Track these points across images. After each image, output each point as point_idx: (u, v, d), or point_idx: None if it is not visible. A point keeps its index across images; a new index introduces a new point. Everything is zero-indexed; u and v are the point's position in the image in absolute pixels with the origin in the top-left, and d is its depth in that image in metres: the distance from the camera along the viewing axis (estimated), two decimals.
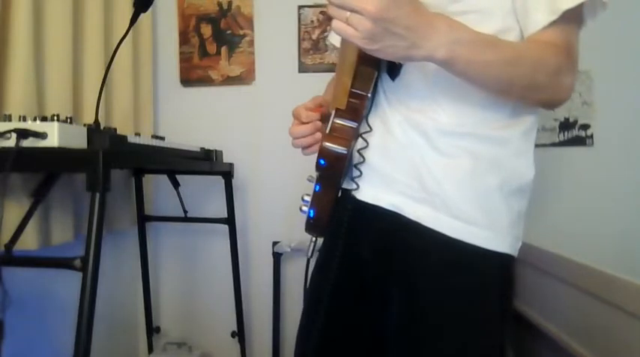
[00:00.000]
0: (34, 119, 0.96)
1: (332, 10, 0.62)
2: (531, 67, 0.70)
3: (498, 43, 0.71)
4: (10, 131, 0.90)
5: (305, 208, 0.88)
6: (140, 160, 1.31)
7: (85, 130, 1.03)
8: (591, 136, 1.97)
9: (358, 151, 0.82)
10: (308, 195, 0.88)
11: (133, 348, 2.04)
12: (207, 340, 2.06)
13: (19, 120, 0.94)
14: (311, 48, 2.03)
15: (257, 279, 2.06)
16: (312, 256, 0.93)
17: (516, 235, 0.80)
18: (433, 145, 0.78)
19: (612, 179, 1.94)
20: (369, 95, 0.79)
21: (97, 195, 0.92)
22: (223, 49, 2.06)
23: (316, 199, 0.87)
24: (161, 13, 2.05)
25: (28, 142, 0.91)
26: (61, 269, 0.94)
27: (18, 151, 0.89)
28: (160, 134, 1.69)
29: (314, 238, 0.92)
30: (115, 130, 1.19)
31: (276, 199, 2.02)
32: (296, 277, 2.05)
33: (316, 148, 0.81)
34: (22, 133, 0.90)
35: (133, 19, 1.11)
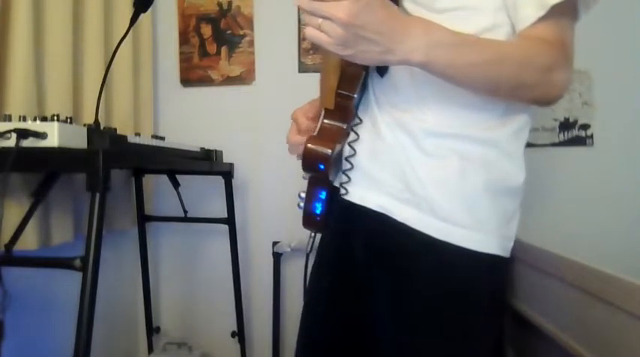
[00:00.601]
0: (34, 119, 0.96)
1: (305, 17, 0.63)
2: (517, 66, 0.69)
3: (480, 43, 0.70)
4: (10, 131, 0.90)
5: (302, 205, 0.89)
6: (140, 160, 1.31)
7: (85, 130, 1.03)
8: (591, 136, 1.97)
9: (349, 143, 0.82)
10: (304, 191, 0.89)
11: (133, 348, 2.04)
12: (207, 340, 2.05)
13: (19, 120, 0.95)
14: (311, 48, 2.02)
15: (257, 279, 2.06)
16: (311, 251, 0.94)
17: (506, 236, 0.79)
18: (419, 146, 0.77)
19: (612, 179, 1.94)
20: (356, 95, 0.79)
21: (97, 195, 0.92)
22: (223, 49, 2.05)
23: (310, 196, 0.88)
24: (161, 13, 2.05)
25: (28, 142, 0.91)
26: (61, 269, 0.94)
27: (18, 151, 0.89)
28: (160, 134, 1.70)
29: (312, 234, 0.94)
30: (115, 130, 1.20)
31: (276, 199, 2.02)
32: (296, 277, 2.05)
33: None
34: (22, 133, 0.90)
35: (133, 19, 1.11)
